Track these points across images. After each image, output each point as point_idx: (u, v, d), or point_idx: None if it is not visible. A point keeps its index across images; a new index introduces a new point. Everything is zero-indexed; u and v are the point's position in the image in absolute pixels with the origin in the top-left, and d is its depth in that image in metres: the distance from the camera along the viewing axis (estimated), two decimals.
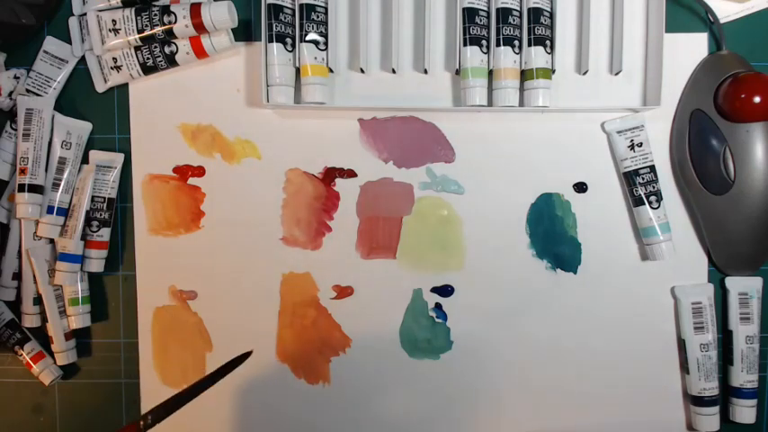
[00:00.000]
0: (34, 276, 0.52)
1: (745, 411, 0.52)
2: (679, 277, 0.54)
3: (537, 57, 0.49)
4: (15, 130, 0.52)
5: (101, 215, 0.53)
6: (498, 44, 0.49)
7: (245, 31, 0.53)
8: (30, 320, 0.53)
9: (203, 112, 0.53)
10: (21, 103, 0.51)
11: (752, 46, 0.52)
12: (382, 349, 0.54)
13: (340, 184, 0.54)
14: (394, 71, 0.52)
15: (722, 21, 0.52)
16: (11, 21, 0.50)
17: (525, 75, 0.50)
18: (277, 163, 0.53)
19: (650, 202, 0.51)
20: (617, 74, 0.51)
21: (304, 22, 0.49)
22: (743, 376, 0.52)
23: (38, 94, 0.52)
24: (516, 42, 0.49)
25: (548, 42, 0.50)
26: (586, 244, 0.53)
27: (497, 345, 0.54)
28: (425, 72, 0.52)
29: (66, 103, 0.53)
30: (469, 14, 0.49)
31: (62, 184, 0.51)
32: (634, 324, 0.54)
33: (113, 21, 0.50)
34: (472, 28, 0.49)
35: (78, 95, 0.54)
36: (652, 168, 0.51)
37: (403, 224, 0.54)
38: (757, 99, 0.48)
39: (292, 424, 0.55)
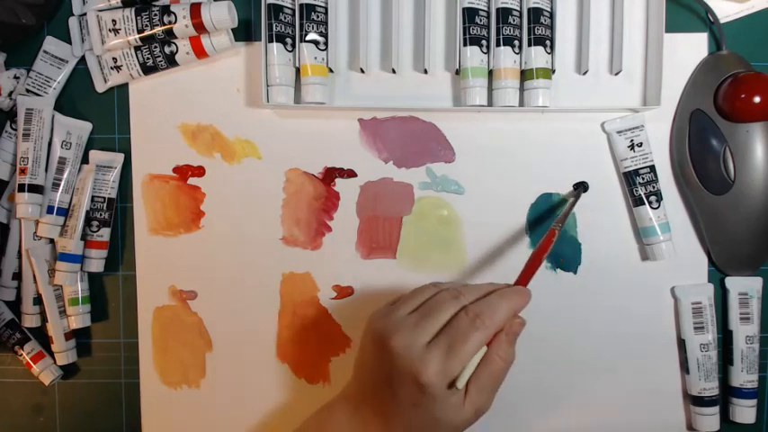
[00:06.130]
0: (34, 276, 0.52)
1: (745, 411, 0.52)
2: (679, 277, 0.53)
3: (537, 57, 0.49)
4: (15, 130, 0.52)
5: (101, 215, 0.53)
6: (498, 44, 0.49)
7: (245, 31, 0.53)
8: (30, 320, 0.53)
9: (203, 112, 0.53)
10: (21, 103, 0.51)
11: (752, 46, 0.52)
12: None
13: (340, 184, 0.54)
14: (394, 71, 0.52)
15: (722, 21, 0.52)
16: (11, 21, 0.50)
17: (525, 75, 0.50)
18: (277, 163, 0.53)
19: (650, 202, 0.51)
20: (617, 74, 0.51)
21: (304, 22, 0.49)
22: (743, 376, 0.52)
23: (38, 94, 0.52)
24: (516, 42, 0.49)
25: (548, 42, 0.50)
26: (586, 244, 0.53)
27: None
28: (425, 72, 0.52)
29: (67, 103, 0.53)
30: (469, 14, 0.49)
31: (62, 184, 0.51)
32: (634, 324, 0.54)
33: (113, 21, 0.50)
34: (472, 28, 0.49)
35: (78, 95, 0.54)
36: (652, 168, 0.51)
37: (403, 224, 0.54)
38: (757, 99, 0.48)
39: (292, 424, 0.55)
